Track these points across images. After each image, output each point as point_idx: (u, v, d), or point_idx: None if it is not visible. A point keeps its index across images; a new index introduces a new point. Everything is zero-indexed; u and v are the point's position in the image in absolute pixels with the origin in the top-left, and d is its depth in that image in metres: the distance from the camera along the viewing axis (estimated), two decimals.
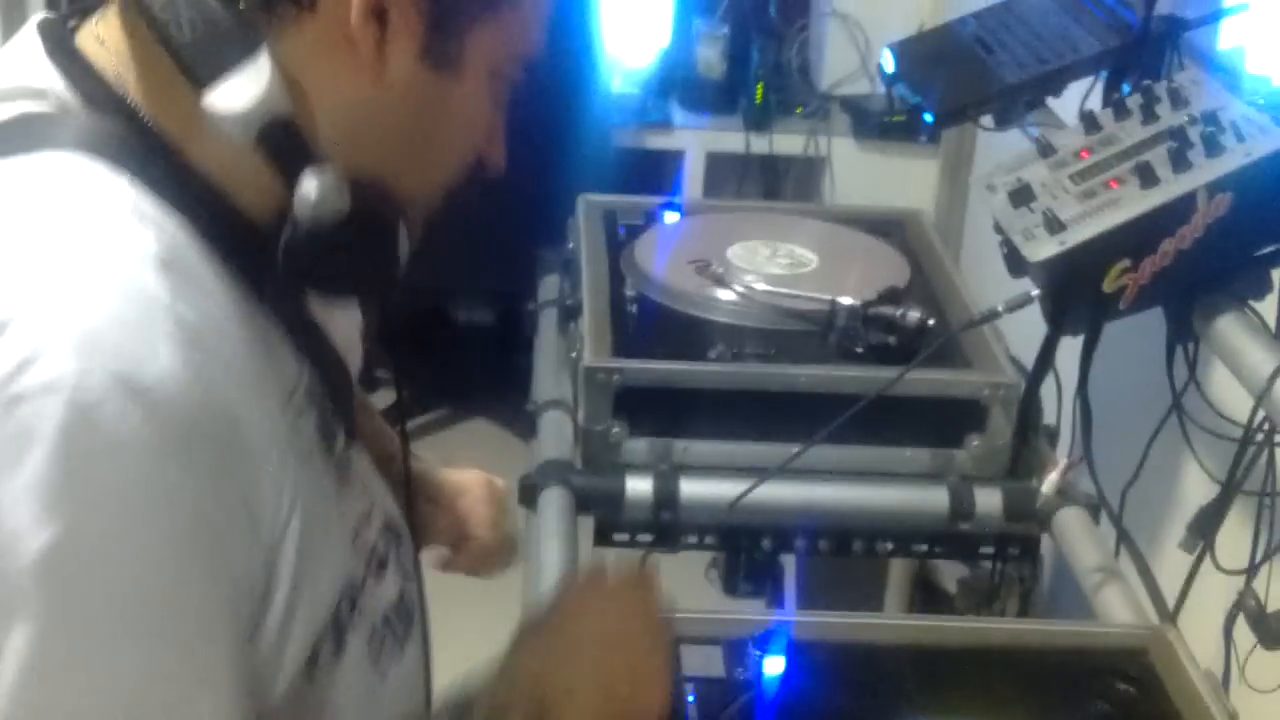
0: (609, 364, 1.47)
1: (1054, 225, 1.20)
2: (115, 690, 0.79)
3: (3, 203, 0.84)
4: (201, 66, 0.84)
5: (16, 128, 0.87)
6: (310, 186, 0.86)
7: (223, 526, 0.83)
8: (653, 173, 3.34)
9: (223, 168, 0.87)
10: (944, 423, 1.52)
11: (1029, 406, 1.43)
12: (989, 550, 1.48)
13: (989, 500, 1.47)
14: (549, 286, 1.87)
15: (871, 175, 3.28)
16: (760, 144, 3.32)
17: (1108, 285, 1.17)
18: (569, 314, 1.69)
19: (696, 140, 3.30)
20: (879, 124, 3.27)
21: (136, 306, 0.80)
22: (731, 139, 3.32)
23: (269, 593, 0.87)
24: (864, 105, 3.34)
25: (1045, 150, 1.34)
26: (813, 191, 3.42)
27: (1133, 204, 1.19)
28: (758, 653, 1.13)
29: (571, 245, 1.82)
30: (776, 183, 3.52)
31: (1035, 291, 1.23)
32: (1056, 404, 1.54)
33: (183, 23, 0.84)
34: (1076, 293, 1.20)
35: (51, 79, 0.88)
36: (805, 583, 2.13)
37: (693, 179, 3.30)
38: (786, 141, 3.33)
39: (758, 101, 3.32)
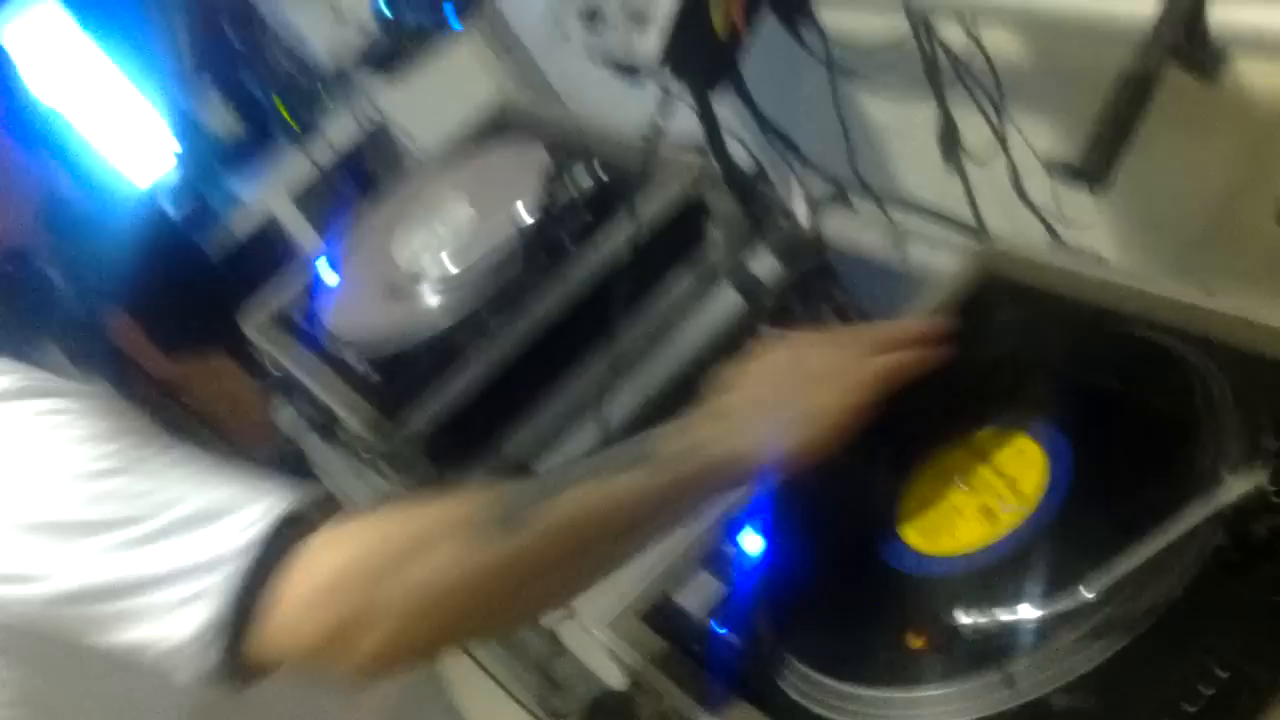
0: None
1: (637, 19, 1.18)
2: None
3: None
4: None
5: None
6: None
7: None
8: (265, 248, 3.23)
9: None
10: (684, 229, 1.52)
11: (732, 171, 1.42)
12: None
13: (766, 266, 1.48)
14: (286, 419, 1.79)
15: (427, 94, 3.22)
16: (326, 153, 3.23)
17: (718, 29, 1.16)
18: (326, 429, 1.64)
19: (274, 196, 3.19)
20: (392, 54, 3.20)
21: None
22: (299, 170, 3.22)
23: None
24: (371, 51, 3.26)
25: None
26: (398, 151, 3.36)
27: None
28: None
29: (276, 371, 1.74)
30: (367, 167, 3.45)
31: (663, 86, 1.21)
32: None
33: None
34: (703, 53, 1.18)
35: None
36: None
37: (296, 226, 3.20)
38: (342, 133, 3.25)
39: (291, 122, 3.23)
